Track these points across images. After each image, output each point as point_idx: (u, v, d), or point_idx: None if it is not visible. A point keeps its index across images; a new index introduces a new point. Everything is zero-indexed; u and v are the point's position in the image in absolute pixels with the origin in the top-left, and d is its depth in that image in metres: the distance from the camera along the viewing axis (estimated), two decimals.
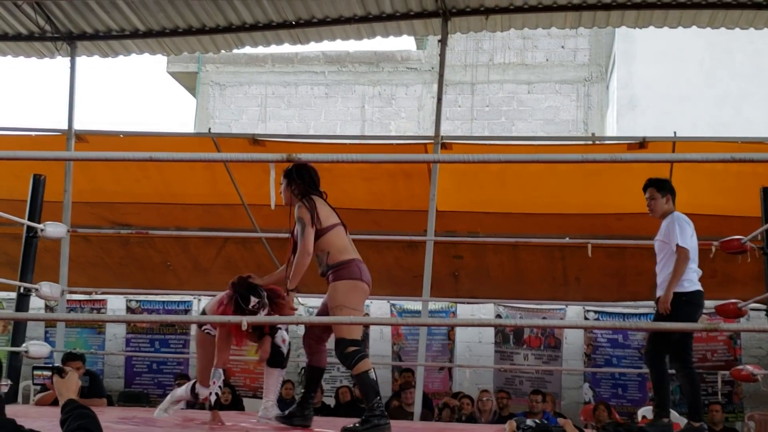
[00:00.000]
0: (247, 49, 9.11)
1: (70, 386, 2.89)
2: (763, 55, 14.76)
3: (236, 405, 10.15)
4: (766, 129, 13.99)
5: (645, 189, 5.71)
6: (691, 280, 5.43)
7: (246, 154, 4.44)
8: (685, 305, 5.33)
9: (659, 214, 5.61)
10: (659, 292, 5.45)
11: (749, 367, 6.18)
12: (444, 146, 8.15)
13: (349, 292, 4.79)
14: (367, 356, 4.72)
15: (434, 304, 10.88)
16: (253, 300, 4.94)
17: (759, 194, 6.68)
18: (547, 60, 14.49)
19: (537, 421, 5.46)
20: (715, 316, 7.71)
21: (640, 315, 10.33)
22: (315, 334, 5.03)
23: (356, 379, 4.91)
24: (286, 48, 8.94)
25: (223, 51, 8.95)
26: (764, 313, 6.56)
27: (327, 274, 4.90)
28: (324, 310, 4.95)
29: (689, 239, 5.41)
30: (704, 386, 10.34)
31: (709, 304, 6.78)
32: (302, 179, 5.12)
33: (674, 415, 8.90)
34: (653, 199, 5.64)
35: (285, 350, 5.28)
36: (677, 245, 5.36)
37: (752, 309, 7.19)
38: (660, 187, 5.66)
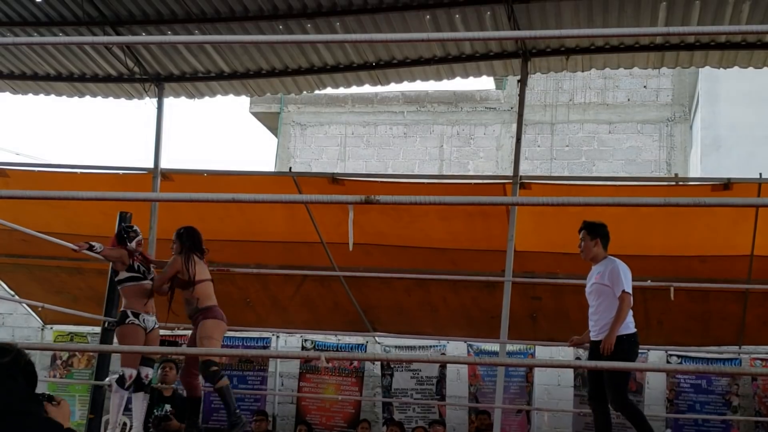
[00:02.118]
0: (328, 90, 9.26)
1: (64, 414, 2.91)
2: None
3: None
4: None
5: (579, 230, 6.07)
6: (629, 323, 5.85)
7: (324, 196, 4.53)
8: (633, 345, 5.84)
9: (589, 257, 6.04)
10: (600, 335, 5.81)
11: None
12: (523, 186, 8.10)
13: (214, 328, 6.27)
14: (224, 374, 6.24)
15: (512, 346, 10.75)
16: None
17: None
18: (628, 100, 14.34)
19: None
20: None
21: (724, 360, 10.03)
22: (191, 371, 6.41)
23: (219, 392, 6.13)
24: (367, 89, 9.06)
25: (305, 92, 9.12)
26: None
27: (196, 315, 6.32)
28: (192, 342, 6.39)
29: (630, 285, 5.89)
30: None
31: None
32: (187, 240, 6.55)
33: None
34: (584, 241, 6.03)
35: (146, 381, 6.47)
36: (623, 291, 5.78)
37: None
38: (591, 230, 6.02)
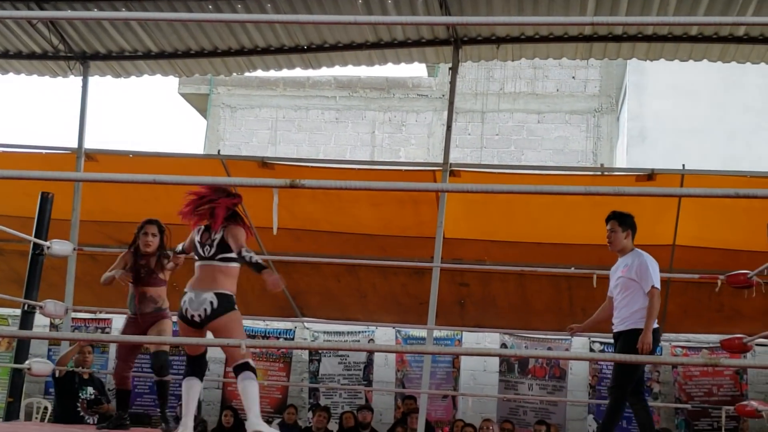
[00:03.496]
0: (259, 73, 9.15)
1: None
2: None
3: (238, 428, 10.11)
4: None
5: (607, 221, 5.87)
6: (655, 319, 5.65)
7: (248, 179, 4.44)
8: (655, 341, 5.59)
9: (618, 248, 5.83)
10: (621, 327, 5.68)
11: (754, 403, 6.14)
12: (453, 173, 8.14)
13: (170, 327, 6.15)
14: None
15: (440, 332, 10.85)
16: None
17: (766, 229, 6.63)
18: (557, 90, 14.53)
19: None
20: (720, 351, 7.65)
21: None
22: (128, 365, 6.13)
23: (163, 385, 6.07)
24: (298, 72, 9.00)
25: (234, 74, 9.01)
26: None
27: (160, 312, 6.16)
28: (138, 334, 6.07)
29: (659, 280, 5.68)
30: (709, 421, 10.26)
31: (715, 338, 6.76)
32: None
33: None
34: (614, 232, 5.81)
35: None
36: (653, 286, 5.57)
37: (758, 344, 7.13)
38: (622, 221, 5.81)
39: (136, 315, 6.02)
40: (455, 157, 12.55)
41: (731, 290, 6.31)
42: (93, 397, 7.58)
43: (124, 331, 6.10)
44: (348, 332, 11.56)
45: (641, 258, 5.71)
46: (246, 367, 4.92)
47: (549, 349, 10.98)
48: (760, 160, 13.48)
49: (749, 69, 9.04)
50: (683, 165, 8.00)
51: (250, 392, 4.88)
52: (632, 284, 5.67)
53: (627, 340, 5.61)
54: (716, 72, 11.33)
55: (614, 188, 2.83)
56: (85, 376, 7.66)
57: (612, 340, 5.95)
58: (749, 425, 10.23)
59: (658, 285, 5.60)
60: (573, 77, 14.46)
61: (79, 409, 7.47)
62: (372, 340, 11.47)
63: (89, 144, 8.69)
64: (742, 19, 7.12)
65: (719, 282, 6.24)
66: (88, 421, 7.41)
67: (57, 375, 7.40)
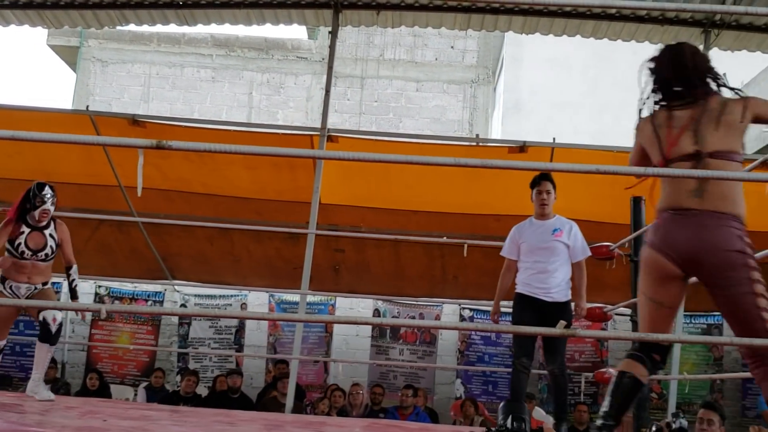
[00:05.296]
0: (132, 27, 8.83)
1: None
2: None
3: (103, 391, 9.88)
4: None
5: (541, 181, 5.66)
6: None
7: (113, 138, 4.30)
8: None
9: (550, 211, 5.67)
10: (559, 297, 5.50)
11: (612, 370, 6.37)
12: (330, 139, 8.09)
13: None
14: None
15: (313, 297, 10.85)
16: None
17: (630, 203, 6.89)
18: (436, 59, 14.63)
19: None
20: (581, 320, 7.93)
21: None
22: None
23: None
24: (173, 28, 8.72)
25: (106, 27, 8.66)
26: (629, 318, 6.78)
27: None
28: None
29: None
30: (571, 386, 10.67)
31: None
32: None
33: (541, 413, 9.16)
34: (550, 194, 5.65)
35: (54, 329, 5.82)
36: (588, 255, 5.62)
37: (618, 314, 7.43)
38: (553, 184, 5.68)
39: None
40: (333, 122, 12.51)
41: (595, 261, 6.52)
42: None
43: None
44: (220, 296, 11.43)
45: (573, 224, 5.64)
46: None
47: (420, 314, 11.16)
48: (627, 135, 13.98)
49: (620, 45, 9.32)
50: (554, 138, 8.20)
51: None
52: (565, 250, 5.56)
53: (567, 311, 5.51)
54: (590, 47, 11.65)
55: (481, 161, 2.85)
56: None
57: (483, 308, 5.99)
58: None
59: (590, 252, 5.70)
60: (452, 47, 14.59)
61: None
62: (245, 304, 11.39)
63: None
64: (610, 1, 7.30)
65: None
66: None
67: None
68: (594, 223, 8.21)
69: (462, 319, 11.15)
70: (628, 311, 6.80)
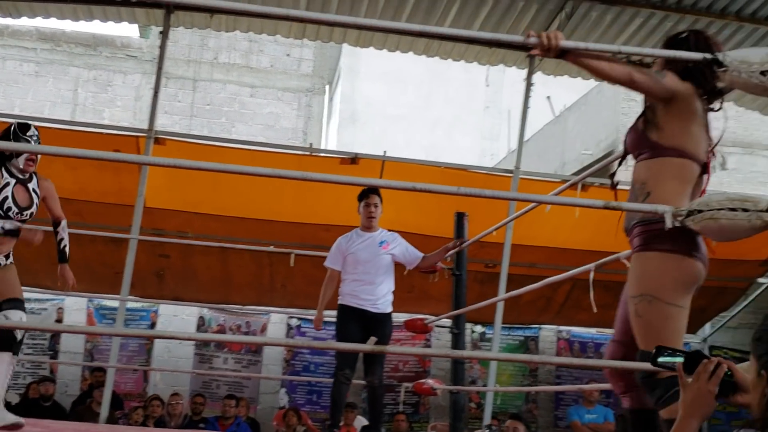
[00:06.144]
0: None
1: None
2: (475, 85, 15.89)
3: None
4: (472, 155, 15.06)
5: (369, 195, 5.77)
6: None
7: None
8: None
9: (377, 224, 5.80)
10: (385, 308, 5.68)
11: (430, 381, 6.54)
12: (158, 141, 7.88)
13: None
14: None
15: (135, 303, 10.50)
16: None
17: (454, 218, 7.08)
18: (271, 66, 14.56)
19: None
20: (403, 330, 8.08)
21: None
22: None
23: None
24: None
25: None
26: (448, 330, 6.96)
27: None
28: None
29: None
30: (394, 395, 10.84)
31: (402, 317, 7.12)
32: None
33: (363, 422, 9.24)
34: (377, 207, 5.77)
35: (20, 335, 4.77)
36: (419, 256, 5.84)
37: (438, 326, 7.62)
38: (380, 198, 5.81)
39: None
40: (163, 123, 12.19)
41: (420, 274, 6.66)
42: None
43: None
44: (35, 299, 10.86)
45: (396, 234, 5.81)
46: None
47: (247, 323, 11.04)
48: (457, 151, 14.44)
49: (454, 64, 9.61)
50: (384, 151, 8.33)
51: None
52: (391, 263, 5.74)
53: (389, 323, 5.72)
54: (424, 63, 11.94)
55: (301, 173, 2.85)
56: None
57: (310, 317, 6.02)
58: (429, 400, 10.94)
59: None
60: (288, 54, 14.56)
61: None
62: (61, 308, 10.88)
63: None
64: (436, 29, 7.44)
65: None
66: None
67: None
68: (420, 236, 8.39)
69: (289, 327, 11.11)
70: (449, 323, 6.97)
